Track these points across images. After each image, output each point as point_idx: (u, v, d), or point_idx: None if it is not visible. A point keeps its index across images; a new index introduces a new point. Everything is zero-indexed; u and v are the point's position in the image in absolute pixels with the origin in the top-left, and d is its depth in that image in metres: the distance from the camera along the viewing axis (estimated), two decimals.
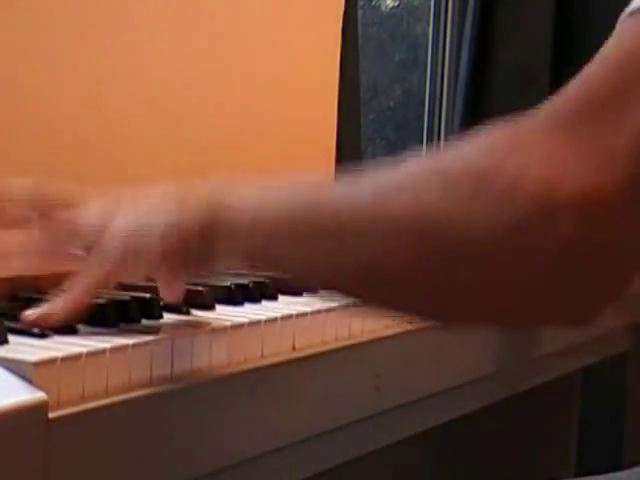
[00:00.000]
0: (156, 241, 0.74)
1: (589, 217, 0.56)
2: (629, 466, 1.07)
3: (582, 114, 0.60)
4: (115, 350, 0.71)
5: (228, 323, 0.82)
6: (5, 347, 0.69)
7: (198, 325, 0.80)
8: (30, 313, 0.74)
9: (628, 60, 0.60)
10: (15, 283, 0.85)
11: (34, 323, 0.73)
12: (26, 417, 0.62)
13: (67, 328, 0.74)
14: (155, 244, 0.74)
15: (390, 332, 1.01)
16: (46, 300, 0.78)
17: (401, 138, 2.48)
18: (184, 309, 0.85)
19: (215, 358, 0.79)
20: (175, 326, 0.80)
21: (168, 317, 0.83)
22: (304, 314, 0.90)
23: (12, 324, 0.73)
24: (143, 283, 0.95)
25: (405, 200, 0.62)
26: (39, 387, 0.64)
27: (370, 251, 0.63)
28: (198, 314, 0.86)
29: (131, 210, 0.79)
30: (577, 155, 0.57)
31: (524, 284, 0.59)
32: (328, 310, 0.93)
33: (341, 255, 0.64)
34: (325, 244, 0.65)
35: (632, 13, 0.62)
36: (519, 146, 0.60)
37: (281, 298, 0.95)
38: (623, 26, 0.63)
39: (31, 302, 0.79)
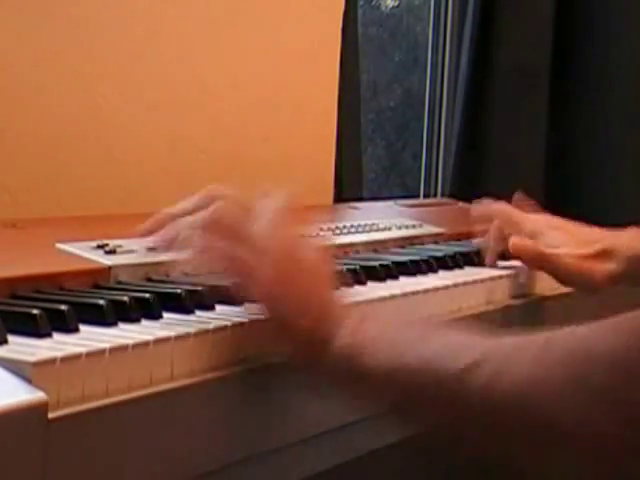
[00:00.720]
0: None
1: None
2: None
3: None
4: (115, 350, 0.71)
5: (228, 323, 0.82)
6: (5, 347, 0.69)
7: (197, 325, 0.80)
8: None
9: None
10: (15, 283, 0.85)
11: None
12: (26, 417, 0.62)
13: (67, 328, 0.74)
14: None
15: None
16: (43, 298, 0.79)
17: (401, 138, 2.48)
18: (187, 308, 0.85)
19: (215, 358, 0.79)
20: (175, 326, 0.80)
21: (168, 317, 0.83)
22: None
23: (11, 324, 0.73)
24: (143, 283, 0.95)
25: (545, 413, 0.67)
26: (39, 387, 0.64)
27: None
28: (198, 314, 0.86)
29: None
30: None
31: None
32: None
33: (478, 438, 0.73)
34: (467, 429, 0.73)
35: None
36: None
37: None
38: None
39: (31, 302, 0.80)
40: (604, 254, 1.21)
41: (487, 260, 1.28)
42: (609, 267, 1.20)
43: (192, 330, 0.78)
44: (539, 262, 1.23)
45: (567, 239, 1.23)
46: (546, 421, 0.66)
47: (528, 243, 1.23)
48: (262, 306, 0.81)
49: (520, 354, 0.69)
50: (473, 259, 1.28)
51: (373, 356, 0.74)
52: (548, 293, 1.29)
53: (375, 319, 0.79)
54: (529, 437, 0.68)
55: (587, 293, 1.22)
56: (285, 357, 0.81)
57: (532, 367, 0.67)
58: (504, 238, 1.27)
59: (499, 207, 1.33)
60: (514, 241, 1.23)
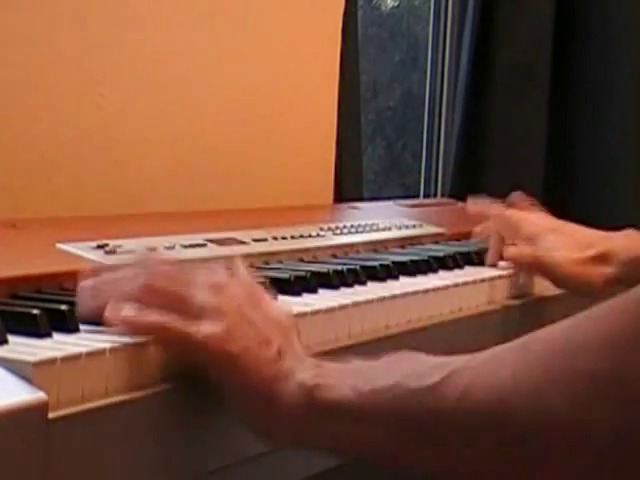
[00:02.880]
0: (248, 379, 0.73)
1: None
2: None
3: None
4: (114, 350, 0.71)
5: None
6: (5, 347, 0.69)
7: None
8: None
9: None
10: (15, 283, 0.85)
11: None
12: (26, 417, 0.62)
13: (67, 328, 0.74)
14: (246, 382, 0.73)
15: (390, 332, 1.01)
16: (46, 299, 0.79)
17: (401, 138, 2.48)
18: None
19: None
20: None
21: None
22: (304, 314, 0.90)
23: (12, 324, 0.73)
24: None
25: (523, 420, 0.63)
26: (39, 387, 0.64)
27: (475, 459, 0.66)
28: None
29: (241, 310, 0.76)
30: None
31: None
32: (328, 310, 0.93)
33: (447, 460, 0.67)
34: (437, 448, 0.67)
35: None
36: None
37: (281, 298, 0.95)
38: None
39: (31, 302, 0.79)
40: (601, 258, 1.21)
41: (488, 260, 1.28)
42: (606, 271, 1.20)
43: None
44: (536, 269, 1.24)
45: (564, 242, 1.23)
46: (527, 424, 0.62)
47: (524, 252, 1.23)
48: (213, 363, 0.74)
49: (497, 360, 0.66)
50: (473, 259, 1.28)
51: (335, 387, 0.70)
52: (548, 293, 1.29)
53: (330, 364, 0.74)
54: (507, 448, 0.64)
55: (585, 297, 1.22)
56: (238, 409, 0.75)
57: (512, 368, 0.64)
58: (503, 240, 1.28)
59: (496, 210, 1.33)
60: (510, 252, 1.24)
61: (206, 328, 0.73)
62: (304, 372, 0.73)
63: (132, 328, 0.73)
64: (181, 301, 0.75)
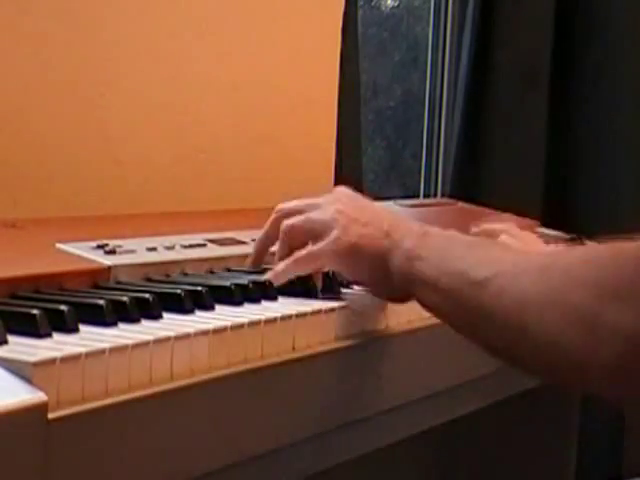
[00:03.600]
0: (368, 256, 0.96)
1: None
2: (629, 470, 1.07)
3: None
4: (115, 350, 0.71)
5: (228, 323, 0.82)
6: (5, 347, 0.69)
7: (197, 325, 0.80)
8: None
9: None
10: (15, 283, 0.85)
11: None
12: (26, 417, 0.62)
13: (67, 328, 0.74)
14: (366, 258, 0.96)
15: (390, 332, 1.01)
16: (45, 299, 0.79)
17: (401, 138, 2.48)
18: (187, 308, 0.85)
19: (214, 358, 0.79)
20: (175, 326, 0.80)
21: (168, 317, 0.83)
22: (304, 314, 0.90)
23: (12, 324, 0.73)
24: (143, 283, 0.95)
25: (546, 321, 0.80)
26: (39, 387, 0.64)
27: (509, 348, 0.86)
28: (198, 314, 0.86)
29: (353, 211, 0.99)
30: None
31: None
32: (328, 310, 0.93)
33: (480, 338, 0.90)
34: (479, 332, 0.89)
35: None
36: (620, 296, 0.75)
37: (281, 298, 0.95)
38: None
39: (31, 302, 0.80)
40: None
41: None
42: None
43: (192, 330, 0.78)
44: None
45: None
46: (533, 329, 0.79)
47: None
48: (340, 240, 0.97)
49: (525, 274, 0.83)
50: None
51: (427, 260, 0.92)
52: None
53: (434, 234, 0.96)
54: (519, 342, 0.82)
55: None
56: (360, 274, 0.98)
57: (530, 285, 0.81)
58: None
59: (488, 228, 1.35)
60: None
61: (329, 238, 0.96)
62: (408, 242, 0.94)
63: (293, 271, 0.97)
64: (310, 231, 0.98)
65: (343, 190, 1.04)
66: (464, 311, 0.88)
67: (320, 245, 0.97)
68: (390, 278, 0.95)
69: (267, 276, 0.97)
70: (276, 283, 0.96)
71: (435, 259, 0.92)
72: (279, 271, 0.97)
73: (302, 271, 0.98)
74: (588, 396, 1.94)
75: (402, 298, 0.97)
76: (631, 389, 0.75)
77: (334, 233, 0.96)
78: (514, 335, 0.82)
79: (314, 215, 0.99)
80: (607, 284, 0.76)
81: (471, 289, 0.86)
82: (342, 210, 0.98)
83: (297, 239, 0.99)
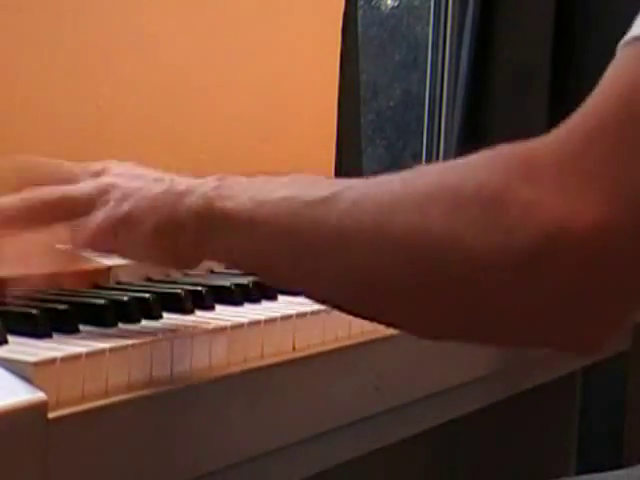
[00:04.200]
0: (151, 217, 0.74)
1: (591, 252, 0.57)
2: (629, 465, 1.07)
3: (591, 147, 0.60)
4: (115, 350, 0.71)
5: (228, 323, 0.82)
6: (5, 347, 0.69)
7: (198, 325, 0.80)
8: None
9: (631, 92, 0.61)
10: (15, 283, 0.85)
11: None
12: (26, 417, 0.62)
13: (67, 328, 0.74)
14: (150, 219, 0.74)
15: (390, 332, 1.01)
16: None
17: (401, 138, 2.48)
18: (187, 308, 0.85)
19: (215, 358, 0.79)
20: (175, 326, 0.80)
21: (168, 317, 0.83)
22: (304, 314, 0.90)
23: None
24: (143, 283, 0.95)
25: (411, 219, 0.62)
26: (39, 387, 0.64)
27: (372, 268, 0.64)
28: (198, 314, 0.86)
29: (127, 180, 0.78)
30: (587, 189, 0.58)
31: (526, 313, 0.60)
32: (328, 310, 0.93)
33: (339, 271, 0.66)
34: (324, 261, 0.67)
35: (630, 42, 0.64)
36: (533, 175, 0.60)
37: (281, 298, 0.95)
38: (623, 54, 0.64)
39: (31, 302, 0.80)
40: None
41: None
42: None
43: (192, 330, 0.78)
44: None
45: None
46: (406, 229, 0.62)
47: None
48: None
49: (382, 183, 0.66)
50: None
51: (235, 197, 0.71)
52: None
53: (236, 177, 0.75)
54: (383, 259, 0.63)
55: None
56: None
57: (394, 187, 0.64)
58: None
59: None
60: None
61: (97, 216, 0.76)
62: (205, 186, 0.73)
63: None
64: (67, 201, 0.77)
65: (106, 164, 0.82)
66: (296, 243, 0.67)
67: (89, 220, 0.76)
68: (180, 232, 0.73)
69: None
70: None
71: (246, 194, 0.71)
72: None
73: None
74: (588, 396, 1.94)
75: (191, 260, 0.76)
76: (534, 299, 0.59)
77: (105, 209, 0.76)
78: (377, 253, 0.63)
79: (71, 190, 0.78)
80: (514, 163, 0.60)
81: (309, 210, 0.66)
82: (111, 182, 0.77)
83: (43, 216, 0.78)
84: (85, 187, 0.78)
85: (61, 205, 0.77)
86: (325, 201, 0.66)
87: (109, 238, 0.76)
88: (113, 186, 0.77)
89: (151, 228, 0.74)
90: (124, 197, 0.75)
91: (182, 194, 0.73)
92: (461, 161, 0.64)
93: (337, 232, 0.65)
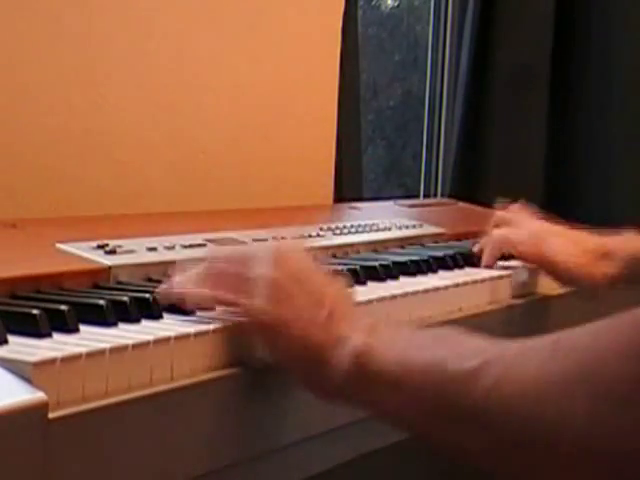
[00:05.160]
0: (299, 351, 0.79)
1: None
2: None
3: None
4: (115, 350, 0.71)
5: (229, 323, 0.82)
6: (5, 347, 0.69)
7: (198, 325, 0.80)
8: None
9: None
10: (15, 283, 0.85)
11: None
12: (26, 417, 0.62)
13: (67, 328, 0.74)
14: (298, 354, 0.79)
15: None
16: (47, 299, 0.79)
17: (401, 138, 2.48)
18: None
19: (215, 358, 0.79)
20: (175, 326, 0.80)
21: (168, 317, 0.83)
22: None
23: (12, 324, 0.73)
24: (143, 283, 0.95)
25: (559, 409, 0.65)
26: (39, 387, 0.64)
27: (518, 447, 0.68)
28: (198, 314, 0.86)
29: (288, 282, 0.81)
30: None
31: None
32: None
33: (482, 446, 0.71)
34: (468, 434, 0.71)
35: None
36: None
37: None
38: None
39: (31, 302, 0.79)
40: (602, 256, 1.25)
41: (484, 262, 1.27)
42: (608, 269, 1.24)
43: (192, 330, 0.78)
44: (540, 264, 1.25)
45: (567, 243, 1.25)
46: (553, 421, 0.65)
47: (532, 247, 1.25)
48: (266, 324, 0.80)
49: (528, 355, 0.69)
50: (473, 259, 1.28)
51: (383, 356, 0.75)
52: (549, 293, 1.29)
53: (386, 324, 0.81)
54: (533, 442, 0.66)
55: (587, 295, 1.25)
56: (288, 364, 0.81)
57: (540, 367, 0.67)
58: (504, 242, 1.28)
59: (499, 214, 1.34)
60: (519, 248, 1.25)
61: (258, 299, 0.79)
62: (355, 338, 0.77)
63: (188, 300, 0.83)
64: (237, 278, 0.81)
65: (283, 250, 0.83)
66: (440, 413, 0.71)
67: (245, 304, 0.80)
68: (327, 378, 0.77)
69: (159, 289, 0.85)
70: (162, 301, 0.83)
71: (394, 353, 0.75)
72: (177, 290, 0.84)
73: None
74: None
75: (333, 402, 0.80)
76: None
77: (259, 302, 0.79)
78: (512, 433, 0.67)
79: (243, 269, 0.81)
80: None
81: (453, 385, 0.70)
82: (275, 278, 0.80)
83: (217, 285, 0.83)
84: (258, 272, 0.81)
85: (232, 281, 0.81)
86: (469, 376, 0.69)
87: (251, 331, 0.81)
88: (273, 283, 0.80)
89: (297, 354, 0.79)
90: (278, 301, 0.79)
91: (333, 346, 0.77)
92: (603, 340, 0.66)
93: (482, 411, 0.69)
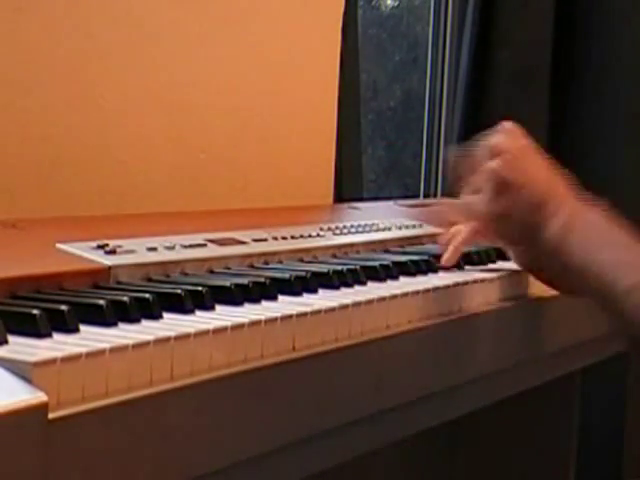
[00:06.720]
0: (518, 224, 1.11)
1: None
2: (629, 471, 1.07)
3: None
4: (115, 350, 0.71)
5: (228, 323, 0.82)
6: (5, 347, 0.69)
7: (198, 325, 0.80)
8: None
9: None
10: (15, 283, 0.85)
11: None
12: (26, 417, 0.62)
13: (67, 328, 0.74)
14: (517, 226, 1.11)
15: (390, 332, 1.01)
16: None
17: (401, 138, 2.48)
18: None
19: (215, 358, 0.79)
20: (175, 326, 0.80)
21: (168, 317, 0.83)
22: (304, 314, 0.90)
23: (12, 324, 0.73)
24: (143, 283, 0.95)
25: None
26: (39, 387, 0.64)
27: None
28: (198, 314, 0.86)
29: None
30: None
31: None
32: (328, 310, 0.93)
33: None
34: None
35: None
36: None
37: (281, 298, 0.95)
38: None
39: (31, 302, 0.80)
40: None
41: (445, 258, 1.20)
42: None
43: (192, 330, 0.78)
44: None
45: None
46: None
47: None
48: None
49: None
50: (473, 259, 1.28)
51: (576, 246, 1.04)
52: (546, 294, 1.29)
53: (585, 211, 1.11)
54: None
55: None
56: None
57: None
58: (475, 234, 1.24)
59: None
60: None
61: (480, 201, 1.12)
62: (562, 217, 1.09)
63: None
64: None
65: (511, 137, 1.23)
66: (602, 305, 1.00)
67: (474, 203, 1.11)
68: (538, 246, 1.07)
69: (442, 262, 1.16)
70: (449, 264, 1.16)
71: (584, 247, 1.04)
72: (450, 256, 1.16)
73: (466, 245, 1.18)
74: (588, 396, 1.94)
75: (540, 269, 1.13)
76: None
77: (485, 197, 1.09)
78: None
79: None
80: None
81: (614, 295, 0.97)
82: (498, 171, 1.11)
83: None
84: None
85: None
86: (625, 293, 0.96)
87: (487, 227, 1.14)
88: (496, 176, 1.12)
89: (516, 232, 1.12)
90: (500, 192, 1.11)
91: (541, 225, 1.08)
92: None
93: (621, 318, 0.97)
